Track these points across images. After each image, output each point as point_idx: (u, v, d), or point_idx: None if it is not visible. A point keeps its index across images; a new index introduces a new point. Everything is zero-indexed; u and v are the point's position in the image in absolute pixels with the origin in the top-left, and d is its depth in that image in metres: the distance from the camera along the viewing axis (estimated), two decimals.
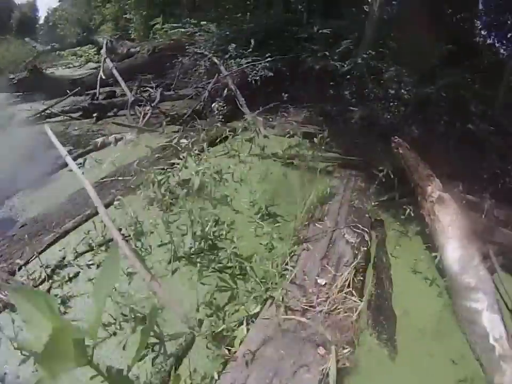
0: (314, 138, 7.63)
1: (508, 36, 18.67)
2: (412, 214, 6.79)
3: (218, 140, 9.08)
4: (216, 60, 12.13)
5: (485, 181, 9.33)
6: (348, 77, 11.02)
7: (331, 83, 11.19)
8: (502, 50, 19.84)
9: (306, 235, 5.89)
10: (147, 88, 12.89)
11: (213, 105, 11.00)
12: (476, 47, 19.41)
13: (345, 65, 10.92)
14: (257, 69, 11.42)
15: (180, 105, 12.08)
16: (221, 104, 10.99)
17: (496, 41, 19.92)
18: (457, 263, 5.69)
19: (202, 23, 15.17)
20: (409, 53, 11.54)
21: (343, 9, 13.80)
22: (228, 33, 12.94)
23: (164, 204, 6.61)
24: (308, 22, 15.64)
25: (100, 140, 9.86)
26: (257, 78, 11.31)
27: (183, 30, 15.99)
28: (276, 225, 6.25)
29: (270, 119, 11.06)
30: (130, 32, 23.66)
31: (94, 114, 11.65)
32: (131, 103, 11.53)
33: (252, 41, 12.18)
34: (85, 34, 29.40)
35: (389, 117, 10.31)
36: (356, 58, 10.93)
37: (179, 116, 10.92)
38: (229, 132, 9.13)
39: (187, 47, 13.47)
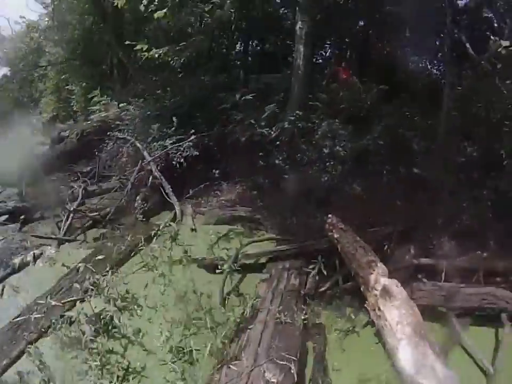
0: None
1: (438, 55, 18.73)
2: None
3: (140, 245, 8.12)
4: (138, 145, 11.25)
5: (441, 226, 8.47)
6: (278, 143, 10.12)
7: (260, 153, 10.24)
8: (435, 71, 19.95)
9: None
10: (72, 184, 11.90)
11: (137, 198, 10.02)
12: (410, 75, 19.25)
13: (272, 132, 10.03)
14: (182, 149, 10.49)
15: (104, 202, 11.14)
16: (146, 195, 10.04)
17: (428, 64, 20.12)
18: (411, 365, 4.82)
19: (130, 99, 14.36)
20: (340, 102, 10.85)
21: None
22: (149, 112, 12.05)
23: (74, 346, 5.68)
24: (244, 79, 15.20)
25: (18, 261, 8.86)
26: (182, 160, 10.38)
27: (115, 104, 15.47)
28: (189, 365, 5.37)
29: (203, 201, 10.20)
30: (72, 104, 23.18)
31: (21, 217, 10.55)
32: (55, 204, 10.54)
33: (175, 119, 11.30)
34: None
35: (326, 178, 9.36)
36: (283, 122, 10.19)
37: (102, 217, 9.93)
38: (151, 233, 8.39)
39: (110, 132, 12.53)
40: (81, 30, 19.95)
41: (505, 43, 7.49)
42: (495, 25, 15.00)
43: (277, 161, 9.89)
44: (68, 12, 20.41)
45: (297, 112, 10.23)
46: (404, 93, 13.57)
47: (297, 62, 10.98)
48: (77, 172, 13.31)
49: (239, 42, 20.92)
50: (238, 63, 20.32)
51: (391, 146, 9.96)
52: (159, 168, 10.59)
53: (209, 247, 8.23)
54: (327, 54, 21.61)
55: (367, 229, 8.17)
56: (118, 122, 13.01)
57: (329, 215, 7.47)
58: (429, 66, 20.56)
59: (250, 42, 21.14)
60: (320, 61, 21.95)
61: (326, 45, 21.30)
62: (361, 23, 19.26)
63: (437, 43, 18.99)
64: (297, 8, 11.41)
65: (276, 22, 17.93)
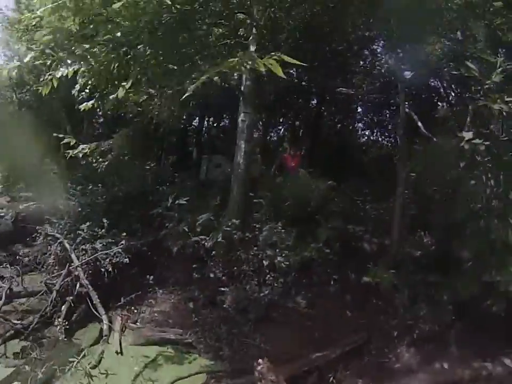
0: None
1: (389, 127, 19.24)
2: None
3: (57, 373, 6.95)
4: (67, 245, 10.14)
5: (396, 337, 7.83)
6: (213, 253, 9.24)
7: (194, 265, 9.37)
8: (385, 142, 20.00)
9: None
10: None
11: (62, 308, 8.89)
12: (362, 155, 19.22)
13: (207, 240, 9.19)
14: (112, 254, 9.48)
15: (32, 304, 9.86)
16: (72, 305, 8.94)
17: (379, 136, 20.32)
18: None
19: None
20: (285, 200, 10.17)
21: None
22: (80, 209, 11.04)
23: None
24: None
25: None
26: (111, 268, 9.35)
27: None
28: None
29: (135, 310, 9.22)
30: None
31: None
32: None
33: (105, 220, 10.26)
34: None
35: (266, 292, 8.52)
36: (218, 232, 9.29)
37: (24, 328, 8.72)
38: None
39: (39, 227, 11.38)
40: None
41: (468, 135, 6.78)
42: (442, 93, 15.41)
43: (211, 275, 8.97)
44: None
45: (234, 221, 9.45)
46: (355, 176, 13.34)
47: (237, 159, 10.21)
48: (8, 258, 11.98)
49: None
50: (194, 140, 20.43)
51: (338, 251, 9.29)
52: (86, 274, 9.47)
53: (133, 377, 7.22)
54: (280, 132, 21.80)
55: (311, 351, 7.52)
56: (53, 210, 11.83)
57: (259, 361, 6.50)
58: (383, 144, 21.04)
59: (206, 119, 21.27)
60: (274, 138, 22.23)
61: (278, 125, 21.62)
62: (314, 101, 19.49)
63: (389, 119, 19.57)
64: (240, 98, 10.65)
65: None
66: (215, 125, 21.08)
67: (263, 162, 14.32)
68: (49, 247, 10.79)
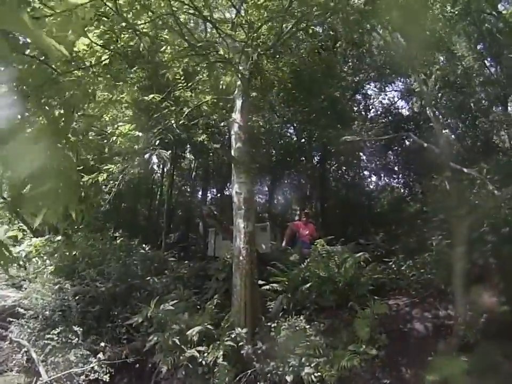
0: None
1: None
2: None
3: None
4: (34, 355, 7.08)
5: None
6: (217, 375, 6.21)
7: None
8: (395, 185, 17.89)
9: None
10: None
11: None
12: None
13: (206, 356, 6.26)
14: (90, 368, 6.63)
15: None
16: None
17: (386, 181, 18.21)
18: None
19: None
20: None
21: None
22: (48, 312, 7.99)
23: None
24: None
25: None
26: None
27: None
28: None
29: None
30: None
31: None
32: None
33: (78, 329, 7.31)
34: None
35: None
36: (219, 346, 6.33)
37: None
38: None
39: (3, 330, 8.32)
40: None
41: None
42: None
43: None
44: None
45: (239, 331, 6.40)
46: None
47: (237, 243, 7.26)
48: None
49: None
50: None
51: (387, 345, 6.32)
52: None
53: None
54: (287, 194, 19.31)
55: None
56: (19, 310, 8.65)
57: None
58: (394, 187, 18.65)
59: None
60: (281, 201, 19.71)
61: (283, 188, 19.28)
62: (317, 157, 17.08)
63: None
64: (232, 167, 8.04)
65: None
66: (219, 195, 18.79)
67: (272, 232, 11.60)
68: (14, 355, 7.77)
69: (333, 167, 18.03)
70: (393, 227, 12.60)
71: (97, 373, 6.62)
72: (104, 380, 6.52)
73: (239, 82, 8.59)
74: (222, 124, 11.02)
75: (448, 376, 5.61)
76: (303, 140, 16.31)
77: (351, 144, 16.42)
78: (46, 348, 7.15)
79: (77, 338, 7.16)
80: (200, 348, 6.31)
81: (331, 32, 12.08)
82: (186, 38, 7.32)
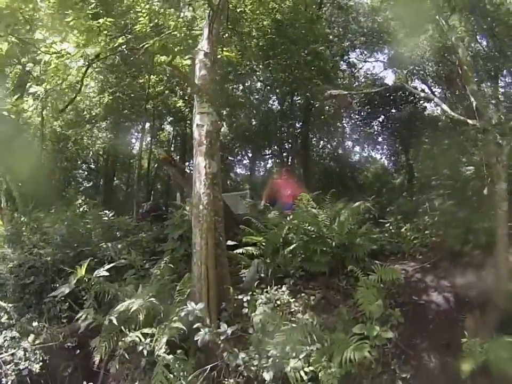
0: None
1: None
2: None
3: None
4: None
5: None
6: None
7: None
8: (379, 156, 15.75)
9: None
10: None
11: None
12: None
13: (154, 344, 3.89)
14: (18, 356, 4.53)
15: None
16: None
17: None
18: None
19: None
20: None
21: None
22: None
23: None
24: None
25: None
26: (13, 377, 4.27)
27: None
28: None
29: None
30: None
31: None
32: None
33: (6, 304, 5.16)
34: None
35: None
36: (168, 327, 3.90)
37: None
38: None
39: None
40: None
41: None
42: None
43: None
44: None
45: (196, 307, 3.88)
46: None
47: (197, 188, 4.83)
48: None
49: None
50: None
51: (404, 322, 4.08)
52: None
53: None
54: (267, 165, 17.08)
55: None
56: None
57: None
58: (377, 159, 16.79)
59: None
60: (261, 173, 17.51)
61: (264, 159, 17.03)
62: (299, 123, 14.80)
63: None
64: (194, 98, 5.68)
65: None
66: None
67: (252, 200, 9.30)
68: None
69: (316, 137, 15.87)
70: (381, 197, 10.43)
71: (27, 361, 4.34)
72: (34, 369, 4.37)
73: (208, 11, 6.31)
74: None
75: (493, 361, 3.44)
76: (285, 107, 14.08)
77: (334, 113, 14.43)
78: None
79: (6, 317, 5.08)
80: (146, 330, 3.99)
81: None
82: None
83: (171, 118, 15.17)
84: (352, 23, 13.89)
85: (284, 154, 15.66)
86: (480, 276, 4.59)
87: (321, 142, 16.12)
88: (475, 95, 4.24)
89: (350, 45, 14.29)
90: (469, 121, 4.54)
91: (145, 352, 3.83)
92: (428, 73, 14.42)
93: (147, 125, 14.38)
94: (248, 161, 16.94)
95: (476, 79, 11.00)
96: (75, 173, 16.19)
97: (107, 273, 4.46)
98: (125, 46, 5.67)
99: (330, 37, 13.05)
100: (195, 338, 3.67)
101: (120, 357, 3.97)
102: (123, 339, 4.03)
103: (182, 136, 15.29)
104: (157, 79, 12.01)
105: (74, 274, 4.38)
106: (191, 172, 6.04)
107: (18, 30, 4.93)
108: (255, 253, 5.26)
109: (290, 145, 14.97)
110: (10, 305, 5.19)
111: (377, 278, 4.18)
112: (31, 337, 4.69)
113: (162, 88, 12.53)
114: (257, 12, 9.24)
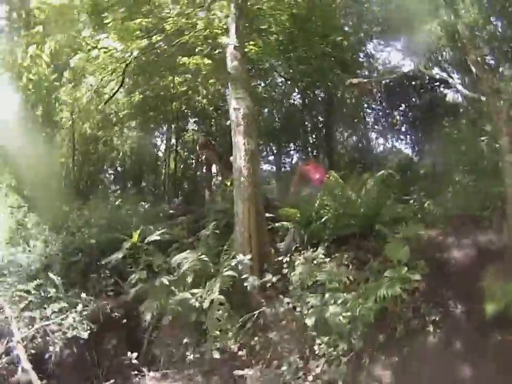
0: None
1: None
2: None
3: None
4: (8, 311, 5.50)
5: None
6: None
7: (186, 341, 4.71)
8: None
9: None
10: None
11: None
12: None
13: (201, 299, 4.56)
14: (67, 324, 5.12)
15: None
16: None
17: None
18: None
19: None
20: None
21: None
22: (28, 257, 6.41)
23: None
24: None
25: None
26: (61, 345, 4.99)
27: None
28: None
29: None
30: None
31: None
32: None
33: (57, 278, 5.82)
34: None
35: (318, 371, 3.98)
36: (217, 279, 4.63)
37: None
38: None
39: None
40: None
41: None
42: None
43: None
44: None
45: (242, 257, 4.72)
46: None
47: (238, 162, 5.59)
48: None
49: None
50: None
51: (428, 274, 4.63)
52: (30, 354, 4.85)
53: None
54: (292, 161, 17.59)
55: None
56: None
57: None
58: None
59: None
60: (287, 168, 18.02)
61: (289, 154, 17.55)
62: (321, 118, 15.34)
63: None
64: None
65: None
66: None
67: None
68: None
69: (339, 130, 16.31)
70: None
71: (75, 330, 4.98)
72: (83, 336, 4.95)
73: (232, 7, 7.17)
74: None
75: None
76: (307, 100, 14.65)
77: (356, 103, 14.88)
78: (22, 302, 5.61)
79: (55, 290, 5.66)
80: (194, 290, 4.65)
81: None
82: None
83: (195, 119, 15.84)
84: (366, 12, 14.24)
85: (308, 148, 16.15)
86: (499, 232, 5.09)
87: (345, 134, 16.50)
88: (475, 65, 4.78)
89: (365, 35, 14.64)
90: (482, 97, 5.08)
91: (196, 305, 4.46)
92: (445, 59, 14.67)
93: (172, 126, 15.19)
94: (273, 156, 17.47)
95: (492, 60, 11.37)
96: (101, 176, 16.87)
97: (158, 238, 5.10)
98: (160, 43, 6.49)
99: (346, 28, 13.53)
100: (244, 284, 4.30)
101: (172, 311, 4.58)
102: (173, 297, 4.66)
103: (207, 134, 16.00)
104: (180, 79, 12.63)
105: (126, 241, 5.06)
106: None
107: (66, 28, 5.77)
108: (289, 226, 5.89)
109: (314, 139, 15.45)
110: (59, 278, 5.79)
111: (403, 235, 4.75)
112: (79, 307, 5.26)
113: (185, 88, 13.18)
114: (275, 8, 9.86)
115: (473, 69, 4.85)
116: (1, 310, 5.54)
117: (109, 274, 5.97)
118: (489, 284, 4.30)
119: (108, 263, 5.93)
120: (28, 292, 5.60)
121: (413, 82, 13.64)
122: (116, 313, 5.37)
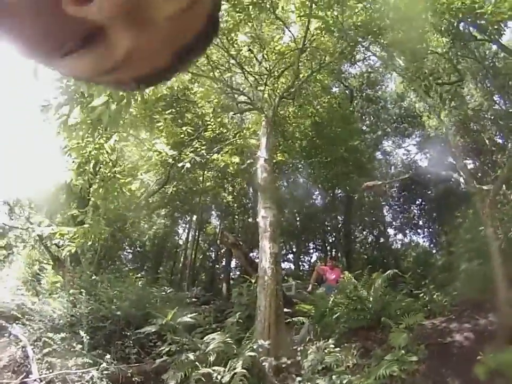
0: None
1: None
2: None
3: None
4: (30, 352, 5.94)
5: None
6: None
7: None
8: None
9: None
10: None
11: None
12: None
13: (222, 375, 5.17)
14: (88, 377, 5.52)
15: None
16: None
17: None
18: None
19: None
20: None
21: None
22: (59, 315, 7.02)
23: None
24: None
25: None
26: None
27: None
28: None
29: None
30: None
31: None
32: None
33: (85, 336, 6.33)
34: None
35: None
36: (239, 359, 5.30)
37: None
38: None
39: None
40: None
41: None
42: None
43: None
44: None
45: (262, 342, 5.54)
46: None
47: (263, 264, 6.73)
48: None
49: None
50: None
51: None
52: None
53: None
54: (311, 259, 18.36)
55: None
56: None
57: None
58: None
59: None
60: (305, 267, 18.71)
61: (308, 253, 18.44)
62: (340, 218, 16.41)
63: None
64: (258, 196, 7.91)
65: None
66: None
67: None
68: (9, 347, 6.63)
69: (358, 228, 17.24)
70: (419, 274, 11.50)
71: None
72: None
73: (263, 123, 8.79)
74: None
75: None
76: (327, 201, 15.82)
77: (374, 202, 15.92)
78: (45, 348, 6.15)
79: (81, 346, 6.16)
80: (216, 368, 5.31)
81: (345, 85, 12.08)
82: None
83: (218, 212, 17.02)
84: (381, 112, 15.68)
85: (327, 247, 17.00)
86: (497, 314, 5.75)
87: (364, 232, 17.34)
88: (462, 170, 5.83)
89: (382, 133, 16.01)
90: (484, 187, 6.09)
91: (218, 378, 5.09)
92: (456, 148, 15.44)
93: (194, 217, 16.40)
94: (292, 255, 18.28)
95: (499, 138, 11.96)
96: (120, 253, 17.40)
97: (191, 320, 5.89)
98: (199, 149, 8.01)
99: (364, 127, 15.03)
100: (262, 363, 4.99)
101: (194, 382, 5.17)
102: (196, 371, 5.29)
103: (230, 230, 17.06)
104: (209, 174, 13.99)
105: (161, 318, 5.85)
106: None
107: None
108: (305, 321, 6.67)
109: (333, 238, 16.30)
110: (87, 336, 6.29)
111: (406, 324, 5.48)
112: (103, 365, 5.67)
113: (212, 183, 14.48)
114: (298, 116, 11.42)
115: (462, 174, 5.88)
116: (23, 349, 6.10)
117: (131, 344, 6.62)
118: (484, 356, 4.89)
119: (133, 334, 6.65)
120: (52, 339, 6.13)
121: (428, 176, 14.72)
122: (136, 378, 5.90)
